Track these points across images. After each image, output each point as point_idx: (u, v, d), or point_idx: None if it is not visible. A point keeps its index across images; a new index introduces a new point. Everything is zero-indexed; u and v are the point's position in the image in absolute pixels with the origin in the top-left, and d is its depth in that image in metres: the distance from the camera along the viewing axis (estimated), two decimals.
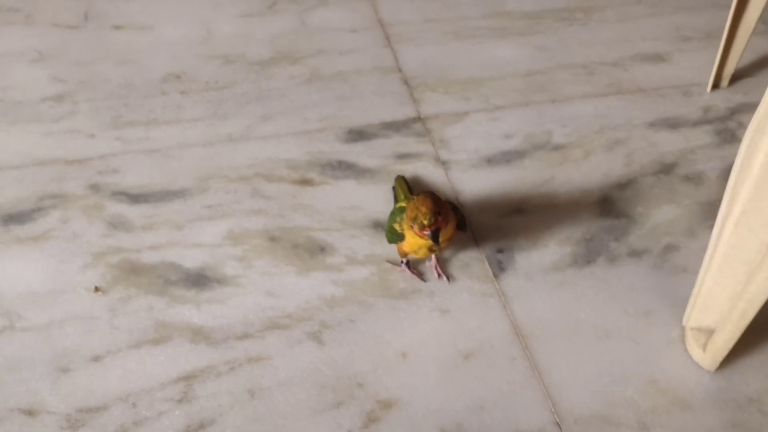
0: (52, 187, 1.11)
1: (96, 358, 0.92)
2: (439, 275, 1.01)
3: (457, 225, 0.94)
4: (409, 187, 1.08)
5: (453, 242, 0.96)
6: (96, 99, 1.27)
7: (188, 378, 0.90)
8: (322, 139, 1.20)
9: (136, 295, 0.98)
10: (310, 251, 1.05)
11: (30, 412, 0.87)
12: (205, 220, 1.08)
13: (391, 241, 0.97)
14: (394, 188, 1.10)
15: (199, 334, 0.94)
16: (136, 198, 1.10)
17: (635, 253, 1.04)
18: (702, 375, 0.90)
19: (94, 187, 1.11)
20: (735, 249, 0.82)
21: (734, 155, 0.78)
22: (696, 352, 0.91)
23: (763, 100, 0.73)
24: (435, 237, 0.88)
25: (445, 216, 0.89)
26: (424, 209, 0.87)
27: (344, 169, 1.16)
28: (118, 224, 1.06)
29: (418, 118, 1.23)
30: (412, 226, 0.89)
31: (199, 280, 1.00)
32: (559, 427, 0.86)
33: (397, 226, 0.94)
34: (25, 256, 1.02)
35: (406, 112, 1.24)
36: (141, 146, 1.18)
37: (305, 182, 1.14)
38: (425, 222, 0.87)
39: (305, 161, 1.17)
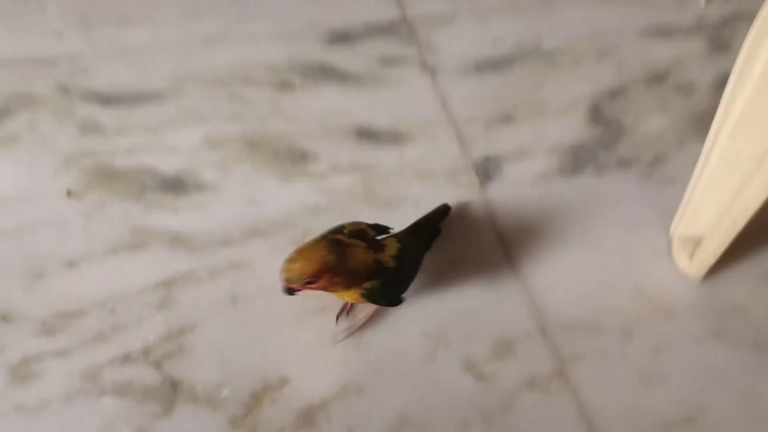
0: (19, 87, 1.05)
1: (71, 264, 0.89)
2: (337, 317, 0.87)
3: (389, 301, 0.81)
4: (367, 235, 0.80)
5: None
6: None
7: (168, 284, 0.88)
8: (303, 42, 1.14)
9: (111, 200, 0.95)
10: (292, 158, 1.01)
11: (4, 318, 0.85)
12: (180, 123, 1.03)
13: None
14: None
15: (178, 240, 0.91)
16: (107, 100, 1.05)
17: (624, 163, 1.02)
18: (687, 284, 0.90)
19: (63, 89, 1.05)
20: (729, 156, 0.80)
21: (728, 65, 0.75)
22: (682, 261, 0.90)
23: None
24: (286, 292, 0.73)
25: (323, 285, 0.72)
26: (298, 265, 0.70)
27: (326, 73, 1.11)
28: (89, 127, 1.01)
29: (404, 21, 1.18)
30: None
31: (177, 185, 0.97)
32: (544, 333, 0.86)
33: None
34: None
35: (391, 13, 1.18)
36: (112, 46, 1.11)
37: (285, 86, 1.09)
38: (283, 274, 0.71)
39: (285, 64, 1.12)
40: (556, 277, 0.91)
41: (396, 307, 0.84)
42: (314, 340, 0.85)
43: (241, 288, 0.88)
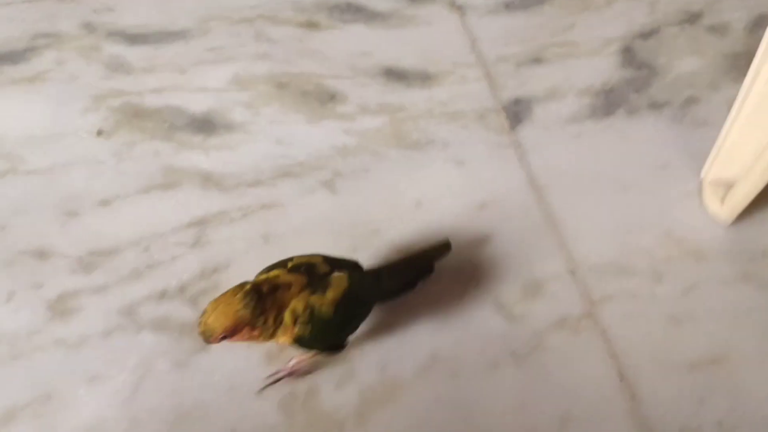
0: (45, 25, 1.04)
1: (104, 203, 0.90)
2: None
3: (325, 349, 0.75)
4: (316, 270, 0.72)
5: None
6: None
7: (200, 223, 0.89)
8: None
9: (141, 139, 0.95)
10: (320, 99, 1.01)
11: (41, 255, 0.86)
12: (208, 63, 1.02)
13: None
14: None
15: (209, 180, 0.92)
16: (134, 39, 1.04)
17: (655, 106, 1.01)
18: (717, 228, 0.90)
19: (89, 27, 1.04)
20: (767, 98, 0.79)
21: (763, 6, 0.73)
22: (713, 204, 0.90)
23: None
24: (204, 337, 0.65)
25: (243, 339, 0.66)
26: (211, 320, 0.63)
27: (353, 12, 1.09)
28: (117, 66, 1.01)
29: None
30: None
31: (206, 125, 0.97)
32: (574, 274, 0.86)
33: None
34: (21, 97, 0.98)
35: None
36: None
37: (312, 26, 1.08)
38: (198, 329, 0.65)
39: (312, 3, 1.10)
40: (587, 219, 0.91)
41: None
42: None
43: (273, 227, 0.89)
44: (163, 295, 0.84)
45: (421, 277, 0.80)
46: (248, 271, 0.81)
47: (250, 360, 0.79)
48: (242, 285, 0.66)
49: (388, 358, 0.80)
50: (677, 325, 0.82)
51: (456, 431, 0.75)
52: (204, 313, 0.64)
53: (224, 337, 0.64)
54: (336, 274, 0.72)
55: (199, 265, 0.86)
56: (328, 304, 0.69)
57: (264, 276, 0.69)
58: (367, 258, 0.86)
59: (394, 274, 0.79)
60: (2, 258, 0.86)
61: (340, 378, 0.78)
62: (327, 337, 0.72)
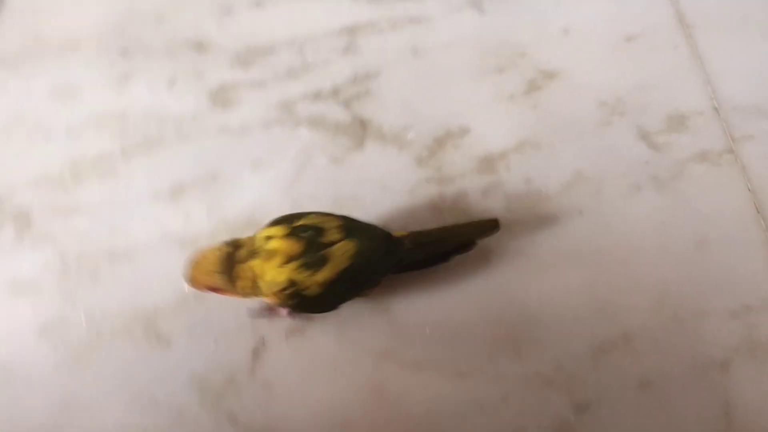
0: None
1: (258, 4, 0.91)
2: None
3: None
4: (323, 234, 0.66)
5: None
6: None
7: (351, 31, 0.90)
8: None
9: None
10: None
11: (199, 47, 0.89)
12: None
13: None
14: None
15: None
16: None
17: None
18: None
19: None
20: None
21: None
22: None
23: None
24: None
25: (230, 291, 0.64)
26: (192, 273, 0.63)
27: None
28: None
29: None
30: None
31: None
32: (717, 112, 0.87)
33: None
34: None
35: None
36: None
37: None
38: (188, 272, 0.63)
39: None
40: (733, 62, 0.90)
41: None
42: (493, 95, 0.87)
43: (421, 41, 0.90)
44: (317, 96, 0.87)
45: (458, 252, 0.74)
46: (398, 81, 0.84)
47: (401, 161, 0.83)
48: (222, 246, 0.63)
49: (534, 173, 0.83)
50: None
51: (597, 245, 0.79)
52: (188, 261, 0.63)
53: (207, 289, 0.64)
54: (341, 244, 0.64)
55: (350, 71, 0.88)
56: (317, 285, 0.63)
57: (248, 238, 0.65)
58: (512, 82, 0.86)
59: (427, 244, 0.72)
60: (162, 46, 0.89)
61: (487, 185, 0.81)
62: (314, 308, 0.69)
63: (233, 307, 0.74)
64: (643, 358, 0.74)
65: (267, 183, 0.81)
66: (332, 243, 0.64)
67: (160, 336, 0.74)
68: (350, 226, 0.66)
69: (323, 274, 0.63)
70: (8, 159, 0.83)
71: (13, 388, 0.72)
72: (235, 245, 0.63)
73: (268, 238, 0.64)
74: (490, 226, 0.74)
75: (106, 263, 0.77)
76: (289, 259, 0.63)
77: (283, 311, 0.73)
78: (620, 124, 0.86)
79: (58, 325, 0.75)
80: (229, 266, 0.62)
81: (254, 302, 0.74)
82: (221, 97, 0.86)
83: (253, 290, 0.63)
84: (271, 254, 0.63)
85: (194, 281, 0.63)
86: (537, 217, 0.80)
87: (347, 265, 0.64)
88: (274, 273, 0.62)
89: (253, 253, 0.63)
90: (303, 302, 0.65)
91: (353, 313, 0.74)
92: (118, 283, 0.76)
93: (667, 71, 0.89)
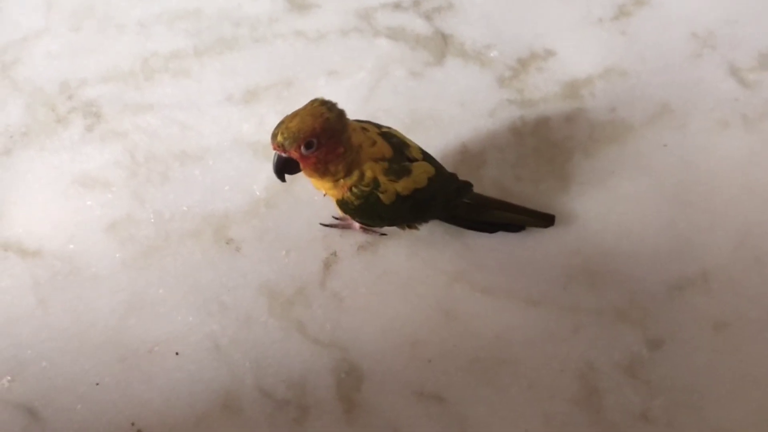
0: None
1: None
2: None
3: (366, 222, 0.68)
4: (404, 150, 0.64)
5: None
6: None
7: None
8: None
9: None
10: None
11: None
12: None
13: None
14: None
15: None
16: None
17: None
18: None
19: None
20: None
21: None
22: None
23: None
24: (277, 166, 0.58)
25: (323, 155, 0.57)
26: (294, 124, 0.55)
27: None
28: None
29: None
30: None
31: None
32: None
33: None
34: None
35: None
36: None
37: None
38: (278, 138, 0.56)
39: None
40: None
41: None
42: (581, 19, 0.84)
43: None
44: (398, 6, 0.83)
45: (506, 229, 0.73)
46: None
47: (483, 80, 0.80)
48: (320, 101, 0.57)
49: (619, 102, 0.80)
50: None
51: (680, 180, 0.76)
52: (282, 121, 0.56)
53: (307, 147, 0.56)
54: (422, 163, 0.63)
55: None
56: (391, 193, 0.61)
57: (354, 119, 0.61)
58: (601, 4, 0.82)
59: (483, 208, 0.72)
60: None
61: (570, 111, 0.78)
62: (370, 218, 0.65)
63: (305, 218, 0.72)
64: (720, 298, 0.72)
65: (343, 93, 0.78)
66: (414, 160, 0.62)
67: (230, 241, 0.72)
68: (426, 153, 0.65)
69: (402, 185, 0.61)
70: (78, 50, 0.81)
71: (79, 282, 0.71)
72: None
73: (364, 129, 0.61)
74: (545, 219, 0.73)
75: (176, 163, 0.76)
76: (382, 158, 0.60)
77: (356, 225, 0.71)
78: (710, 58, 0.82)
79: (127, 223, 0.73)
80: (343, 122, 0.57)
81: (323, 215, 0.72)
82: (298, 1, 0.82)
83: (345, 169, 0.59)
84: (372, 142, 0.60)
85: (300, 128, 0.55)
86: (620, 147, 0.77)
87: (423, 185, 0.62)
88: (369, 164, 0.60)
89: (363, 128, 0.60)
90: (369, 204, 0.61)
91: (426, 233, 0.72)
92: (188, 185, 0.74)
93: (762, 6, 0.85)
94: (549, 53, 0.82)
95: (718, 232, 0.74)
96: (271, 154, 0.57)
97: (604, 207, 0.75)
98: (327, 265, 0.72)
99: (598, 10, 0.84)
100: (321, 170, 0.58)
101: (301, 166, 0.57)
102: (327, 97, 0.57)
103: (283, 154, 0.56)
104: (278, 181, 0.58)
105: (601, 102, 0.80)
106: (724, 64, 0.82)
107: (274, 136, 0.55)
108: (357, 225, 0.72)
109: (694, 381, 0.67)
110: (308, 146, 0.55)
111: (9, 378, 0.67)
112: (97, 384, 0.66)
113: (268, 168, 0.59)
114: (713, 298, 0.72)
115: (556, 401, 0.66)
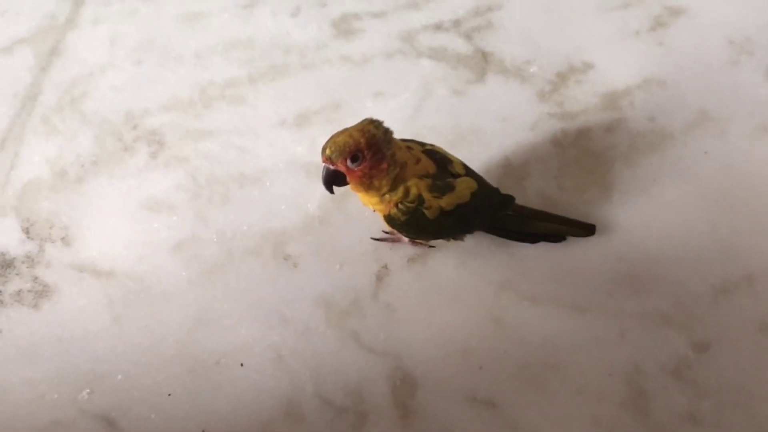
0: None
1: None
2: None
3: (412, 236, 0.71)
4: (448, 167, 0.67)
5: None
6: None
7: None
8: None
9: None
10: None
11: None
12: None
13: None
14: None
15: None
16: None
17: None
18: None
19: None
20: None
21: None
22: None
23: None
24: (326, 179, 0.62)
25: (367, 167, 0.60)
26: (341, 138, 0.59)
27: None
28: None
29: None
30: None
31: None
32: None
33: None
34: None
35: None
36: None
37: None
38: (326, 151, 0.60)
39: None
40: None
41: None
42: (617, 32, 0.86)
43: None
44: (439, 27, 0.87)
45: (547, 240, 0.75)
46: (520, 14, 0.82)
47: (523, 95, 0.83)
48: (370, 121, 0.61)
49: (658, 111, 0.82)
50: None
51: (721, 185, 0.78)
52: (331, 137, 0.60)
53: (353, 159, 0.59)
54: (465, 179, 0.66)
55: (473, 2, 0.87)
56: (435, 209, 0.64)
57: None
58: (638, 17, 0.85)
59: (525, 218, 0.74)
60: None
61: (610, 122, 0.81)
62: (416, 233, 0.68)
63: (356, 233, 0.76)
64: (765, 300, 0.73)
65: (389, 113, 0.81)
66: (458, 175, 0.66)
67: (288, 257, 0.76)
68: (468, 168, 0.68)
69: (446, 200, 0.64)
70: (141, 83, 0.86)
71: (150, 300, 0.76)
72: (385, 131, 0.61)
73: (409, 147, 0.64)
74: (586, 229, 0.75)
75: (235, 185, 0.80)
76: (426, 175, 0.64)
77: (405, 239, 0.75)
78: (748, 64, 0.84)
79: (192, 243, 0.78)
80: (388, 138, 0.61)
81: (373, 230, 0.75)
82: (344, 26, 0.87)
83: (390, 184, 0.62)
84: (417, 160, 0.63)
85: (346, 142, 0.59)
86: (661, 156, 0.79)
87: (467, 200, 0.65)
88: (413, 181, 0.63)
89: (407, 148, 0.63)
90: (414, 220, 0.64)
91: (473, 244, 0.75)
92: (248, 205, 0.79)
93: None
94: (587, 66, 0.84)
95: (761, 236, 0.76)
96: None
97: (647, 214, 0.77)
98: (379, 277, 0.76)
99: (635, 23, 0.86)
100: (366, 184, 0.62)
101: (348, 178, 0.61)
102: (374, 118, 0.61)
103: (331, 167, 0.60)
104: (331, 197, 0.62)
105: (641, 112, 0.82)
106: (761, 69, 0.84)
107: (323, 150, 0.60)
108: (405, 238, 0.75)
109: (742, 382, 0.68)
110: (354, 159, 0.59)
111: (88, 390, 0.72)
112: (169, 394, 0.71)
113: (321, 187, 0.63)
114: (758, 300, 0.74)
115: (604, 404, 0.68)
